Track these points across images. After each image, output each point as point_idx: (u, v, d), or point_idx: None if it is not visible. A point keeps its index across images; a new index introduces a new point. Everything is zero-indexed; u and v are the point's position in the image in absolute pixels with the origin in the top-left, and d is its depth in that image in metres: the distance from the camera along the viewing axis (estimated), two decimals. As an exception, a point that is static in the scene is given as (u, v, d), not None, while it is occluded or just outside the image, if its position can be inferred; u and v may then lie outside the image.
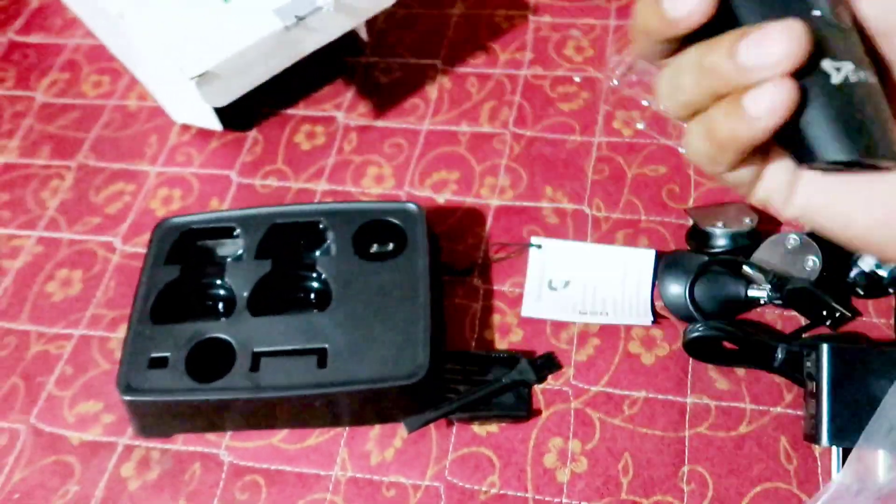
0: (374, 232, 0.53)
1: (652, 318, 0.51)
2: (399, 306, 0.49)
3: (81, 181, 0.62)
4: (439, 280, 0.54)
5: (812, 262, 0.50)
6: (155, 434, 0.49)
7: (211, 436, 0.49)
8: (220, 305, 0.52)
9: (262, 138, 0.64)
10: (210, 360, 0.47)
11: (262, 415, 0.48)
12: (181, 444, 0.49)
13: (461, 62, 0.67)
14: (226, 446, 0.48)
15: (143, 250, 0.53)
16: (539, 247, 0.55)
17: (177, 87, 0.59)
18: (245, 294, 0.50)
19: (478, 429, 0.48)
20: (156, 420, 0.48)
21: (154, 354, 0.47)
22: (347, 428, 0.49)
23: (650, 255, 0.54)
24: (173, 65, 0.56)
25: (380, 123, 0.64)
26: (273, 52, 0.58)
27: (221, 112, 0.61)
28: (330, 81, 0.67)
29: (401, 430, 0.48)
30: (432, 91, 0.65)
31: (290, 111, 0.65)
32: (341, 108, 0.65)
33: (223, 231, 0.53)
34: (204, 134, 0.64)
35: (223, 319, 0.50)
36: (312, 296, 0.52)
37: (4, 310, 0.55)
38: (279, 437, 0.49)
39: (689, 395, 0.49)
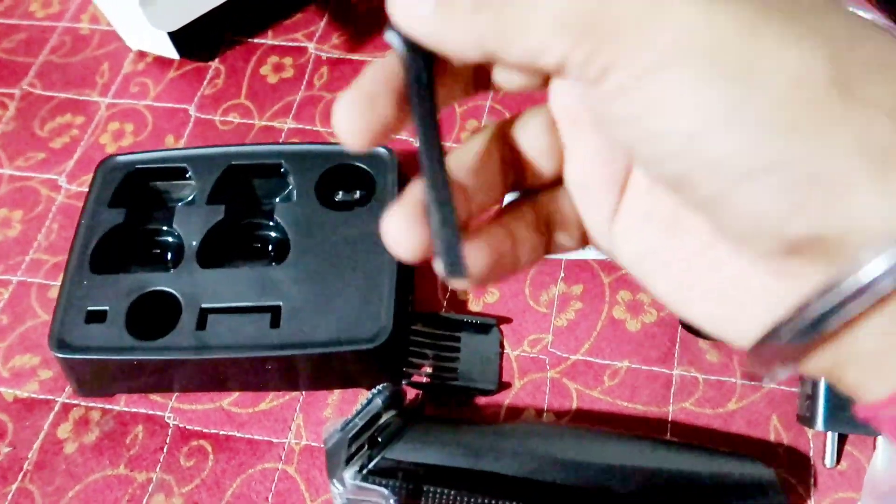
0: (341, 178, 0.48)
1: None
2: (363, 261, 0.44)
3: (25, 111, 0.57)
4: (411, 233, 0.49)
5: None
6: (95, 393, 0.45)
7: (156, 396, 0.45)
8: (168, 255, 0.47)
9: (225, 69, 0.58)
10: (154, 315, 0.43)
11: (210, 376, 0.44)
12: (123, 404, 0.45)
13: (447, -9, 0.61)
14: (172, 408, 0.45)
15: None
16: None
17: (127, 8, 0.53)
18: (194, 243, 0.45)
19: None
20: (95, 378, 0.44)
21: (92, 307, 0.43)
22: (304, 392, 0.45)
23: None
24: (119, -17, 0.50)
25: (355, 57, 0.58)
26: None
27: (179, 38, 0.56)
28: (301, 8, 0.61)
29: (362, 395, 0.44)
30: (413, 22, 0.59)
31: (256, 40, 0.59)
32: (313, 38, 0.59)
33: (174, 172, 0.48)
34: (161, 63, 0.58)
35: (170, 271, 0.45)
36: (270, 247, 0.48)
37: (-62, 251, 0.51)
38: (229, 401, 0.45)
39: (675, 367, 0.45)
